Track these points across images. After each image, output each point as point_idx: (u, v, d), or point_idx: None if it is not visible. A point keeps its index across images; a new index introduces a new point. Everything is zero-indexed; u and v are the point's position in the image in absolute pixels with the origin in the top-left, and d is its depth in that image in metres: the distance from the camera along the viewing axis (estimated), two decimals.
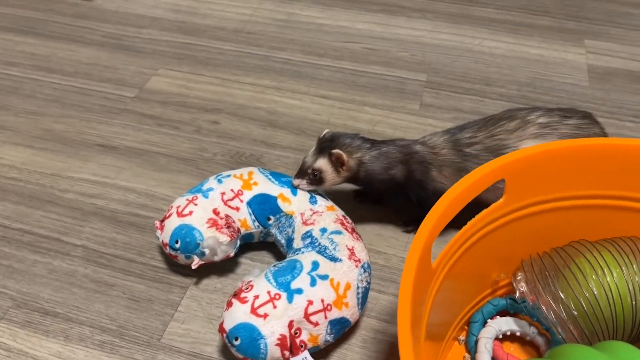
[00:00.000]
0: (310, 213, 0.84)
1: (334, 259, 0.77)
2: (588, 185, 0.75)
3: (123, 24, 1.44)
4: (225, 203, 0.86)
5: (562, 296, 0.71)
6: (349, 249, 0.79)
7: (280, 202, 0.86)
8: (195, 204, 0.85)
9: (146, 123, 1.15)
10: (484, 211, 0.72)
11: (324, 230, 0.81)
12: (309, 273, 0.75)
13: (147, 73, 1.27)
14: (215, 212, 0.85)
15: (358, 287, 0.77)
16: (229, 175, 0.89)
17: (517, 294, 0.75)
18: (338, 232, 0.81)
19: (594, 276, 0.71)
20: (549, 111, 0.88)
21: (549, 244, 0.78)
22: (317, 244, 0.79)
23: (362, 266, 0.79)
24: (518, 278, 0.76)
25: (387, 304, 0.84)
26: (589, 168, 0.73)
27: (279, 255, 0.89)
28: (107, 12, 1.49)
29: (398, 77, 1.28)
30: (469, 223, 0.72)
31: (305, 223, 0.83)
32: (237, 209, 0.86)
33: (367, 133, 1.08)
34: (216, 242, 0.82)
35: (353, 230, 0.83)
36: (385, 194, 0.94)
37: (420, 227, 0.63)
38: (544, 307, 0.72)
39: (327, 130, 0.90)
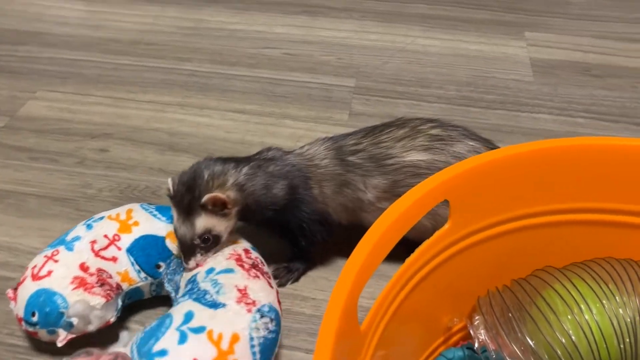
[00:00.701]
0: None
1: (214, 304, 0.59)
2: (551, 199, 0.60)
3: None
4: (96, 254, 0.67)
5: (532, 344, 0.55)
6: (239, 289, 0.61)
7: (170, 242, 0.69)
8: (56, 261, 0.66)
9: (16, 158, 0.93)
10: (425, 243, 0.56)
11: (210, 271, 0.64)
12: (178, 328, 0.57)
13: (22, 97, 1.06)
14: (84, 267, 0.66)
15: (252, 338, 0.58)
16: (101, 218, 0.71)
17: (476, 344, 0.59)
18: (227, 271, 0.63)
19: (568, 315, 0.55)
20: (447, 125, 0.75)
21: (509, 275, 0.62)
22: (196, 289, 0.62)
23: (259, 310, 0.60)
24: (476, 323, 0.60)
25: None
26: (552, 177, 0.58)
27: None
28: None
29: (323, 83, 1.11)
30: (408, 261, 0.55)
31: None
32: (114, 259, 0.68)
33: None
34: (86, 307, 0.63)
35: (253, 267, 0.65)
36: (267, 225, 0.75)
37: (340, 278, 0.46)
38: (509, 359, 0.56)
39: (169, 179, 0.68)
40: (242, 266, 0.64)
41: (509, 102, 1.07)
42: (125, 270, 0.68)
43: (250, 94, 1.08)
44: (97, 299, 0.63)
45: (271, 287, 0.64)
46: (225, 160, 0.69)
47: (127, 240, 0.68)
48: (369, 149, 0.72)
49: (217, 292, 0.60)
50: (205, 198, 0.64)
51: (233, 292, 0.60)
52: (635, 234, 0.60)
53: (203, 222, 0.64)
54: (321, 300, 0.73)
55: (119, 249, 0.68)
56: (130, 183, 0.89)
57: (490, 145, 0.75)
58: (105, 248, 0.68)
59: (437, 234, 0.57)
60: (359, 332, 0.49)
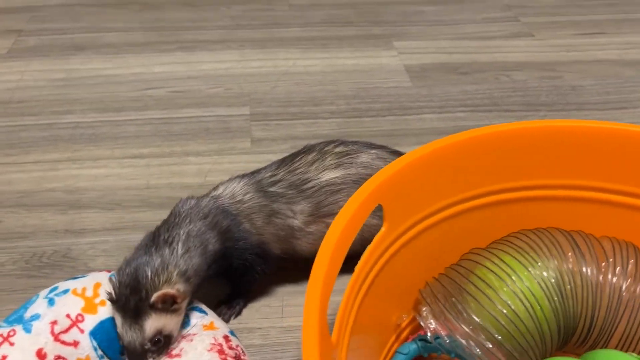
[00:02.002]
0: (179, 339, 0.62)
1: None
2: (467, 186, 0.66)
3: None
4: (56, 338, 0.60)
5: (478, 321, 0.60)
6: None
7: None
8: (12, 344, 0.59)
9: None
10: (368, 249, 0.59)
11: None
12: None
13: None
14: (41, 354, 0.59)
15: None
16: (65, 292, 0.64)
17: (429, 333, 0.62)
18: None
19: (504, 288, 0.61)
20: (348, 142, 0.80)
21: (443, 264, 0.67)
22: None
23: None
24: (424, 314, 0.63)
25: None
26: (466, 165, 0.64)
27: None
28: None
29: (218, 115, 1.11)
30: (357, 268, 0.57)
31: (169, 354, 0.61)
32: (75, 343, 0.61)
33: (199, 187, 0.90)
34: None
35: (236, 358, 0.61)
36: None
37: (308, 291, 0.47)
38: (462, 340, 0.60)
39: (108, 281, 0.62)
40: (224, 359, 0.59)
41: (395, 107, 1.15)
42: (87, 356, 0.61)
43: (145, 137, 1.05)
44: None
45: None
46: (154, 246, 0.64)
47: (91, 321, 0.62)
48: (286, 178, 0.74)
49: None
50: (154, 297, 0.58)
51: None
52: (541, 206, 0.68)
53: (154, 323, 0.59)
54: (268, 329, 0.73)
55: (82, 331, 0.61)
56: (34, 251, 0.82)
57: (388, 150, 0.81)
58: (66, 331, 0.61)
59: (375, 238, 0.60)
60: (332, 345, 0.50)
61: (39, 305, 0.62)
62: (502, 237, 0.67)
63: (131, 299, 0.59)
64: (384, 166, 0.61)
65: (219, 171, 0.97)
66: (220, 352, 0.60)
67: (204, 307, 0.67)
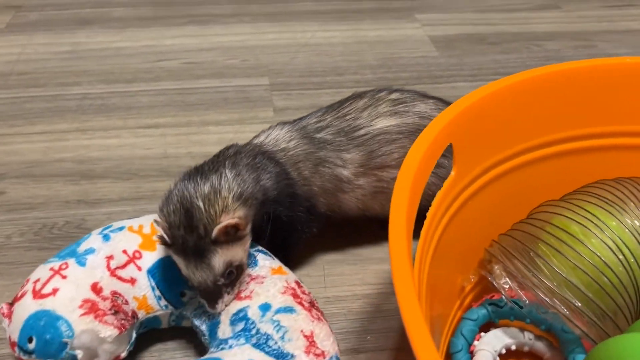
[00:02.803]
0: (247, 279, 0.56)
1: (280, 355, 0.49)
2: (541, 130, 0.58)
3: None
4: (112, 273, 0.56)
5: (563, 275, 0.52)
6: (305, 336, 0.51)
7: None
8: (64, 277, 0.54)
9: None
10: (438, 195, 0.51)
11: (265, 307, 0.53)
12: None
13: None
14: (96, 288, 0.54)
15: None
16: (121, 229, 0.58)
17: (503, 294, 0.55)
18: (288, 310, 0.53)
19: (592, 239, 0.53)
20: (402, 89, 0.73)
21: (511, 221, 0.59)
22: (254, 331, 0.51)
23: None
24: (497, 272, 0.55)
25: None
26: (540, 105, 0.57)
27: (205, 348, 0.57)
28: None
29: (236, 86, 1.03)
30: (428, 218, 0.49)
31: (238, 296, 0.55)
32: (133, 281, 0.56)
33: None
34: (95, 339, 0.52)
35: (312, 305, 0.55)
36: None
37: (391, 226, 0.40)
38: (546, 299, 0.52)
39: (155, 225, 0.55)
40: (302, 305, 0.54)
41: (425, 76, 1.08)
42: (144, 296, 0.56)
43: (159, 107, 0.97)
44: (109, 330, 0.52)
45: (332, 331, 0.54)
46: (199, 174, 0.56)
47: (149, 259, 0.57)
48: (334, 124, 0.67)
49: (282, 338, 0.50)
50: (215, 232, 0.52)
51: (300, 340, 0.50)
52: (619, 155, 0.61)
53: (221, 258, 0.52)
54: None
55: (139, 269, 0.56)
56: (44, 222, 0.74)
57: (445, 102, 0.73)
58: (123, 267, 0.56)
59: (445, 184, 0.52)
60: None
61: (93, 240, 0.58)
62: (578, 189, 0.59)
63: (188, 238, 0.52)
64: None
65: (242, 140, 0.88)
66: (295, 295, 0.55)
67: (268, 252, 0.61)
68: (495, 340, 0.56)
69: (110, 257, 0.56)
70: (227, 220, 0.52)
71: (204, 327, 0.54)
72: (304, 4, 1.35)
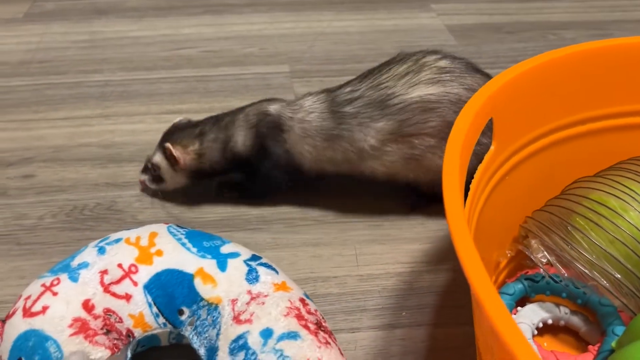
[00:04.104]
0: (247, 299, 0.52)
1: None
2: (579, 106, 0.59)
3: None
4: (106, 289, 0.52)
5: (603, 247, 0.53)
6: None
7: (198, 282, 0.54)
8: (55, 293, 0.51)
9: None
10: (480, 167, 0.51)
11: (267, 333, 0.49)
12: None
13: None
14: (88, 306, 0.51)
15: None
16: (117, 240, 0.56)
17: (541, 268, 0.55)
18: (292, 336, 0.49)
19: (630, 212, 0.53)
20: (454, 57, 0.71)
21: (544, 199, 0.60)
22: None
23: None
24: (534, 246, 0.56)
25: (369, 342, 0.58)
26: (581, 81, 0.58)
27: None
28: None
29: (256, 73, 1.04)
30: (469, 199, 0.49)
31: (237, 319, 0.50)
32: (128, 297, 0.52)
33: None
34: None
35: (319, 327, 0.51)
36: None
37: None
38: (585, 270, 0.53)
39: (180, 118, 0.76)
40: (307, 328, 0.50)
41: None
42: (140, 313, 0.52)
43: (181, 94, 0.98)
44: (99, 351, 0.49)
45: (342, 354, 0.51)
46: (206, 122, 0.74)
47: (145, 273, 0.53)
48: (367, 94, 0.67)
49: None
50: (165, 145, 0.71)
51: None
52: None
53: (158, 158, 0.72)
54: (344, 277, 0.65)
55: (135, 284, 0.53)
56: (75, 204, 0.74)
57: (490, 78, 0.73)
58: (118, 282, 0.53)
59: (485, 158, 0.53)
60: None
61: (87, 254, 0.55)
62: (612, 166, 0.60)
63: (168, 134, 0.74)
64: None
65: None
66: (299, 316, 0.51)
67: (273, 265, 0.58)
68: (532, 314, 0.57)
69: (104, 272, 0.53)
70: (176, 150, 0.71)
71: (202, 351, 0.52)
72: None
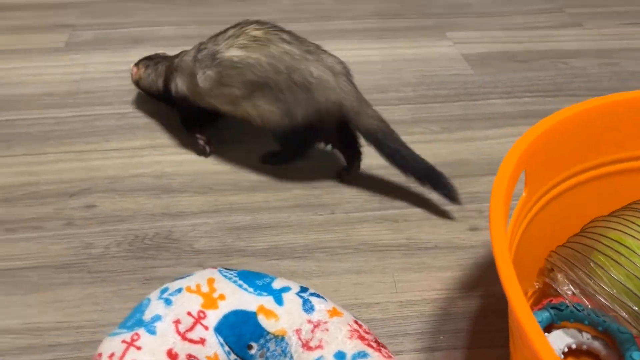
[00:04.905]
0: (310, 328, 0.58)
1: None
2: (598, 152, 0.67)
3: None
4: (183, 337, 0.57)
5: (622, 282, 0.60)
6: None
7: (262, 318, 0.59)
8: (138, 347, 0.55)
9: None
10: (513, 216, 0.59)
11: (340, 355, 0.55)
12: None
13: None
14: (172, 354, 0.56)
15: None
16: (179, 290, 0.61)
17: (567, 300, 0.63)
18: (362, 355, 0.55)
19: None
20: (271, 28, 0.89)
21: (566, 235, 0.67)
22: None
23: None
24: (560, 279, 0.64)
25: None
26: (599, 131, 0.65)
27: None
28: None
29: None
30: (507, 235, 0.57)
31: (306, 346, 0.57)
32: (202, 341, 0.58)
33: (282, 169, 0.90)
34: None
35: (379, 343, 0.58)
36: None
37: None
38: (607, 303, 0.60)
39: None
40: (371, 346, 0.56)
41: (462, 94, 1.16)
42: (215, 354, 0.57)
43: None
44: None
45: None
46: (172, 57, 1.01)
47: (213, 317, 0.58)
48: (209, 47, 0.90)
49: None
50: (137, 60, 1.06)
51: None
52: None
53: (134, 69, 1.05)
54: (385, 303, 0.73)
55: (206, 328, 0.58)
56: (136, 234, 0.81)
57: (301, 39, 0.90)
58: (191, 329, 0.58)
59: (518, 204, 0.60)
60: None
61: (156, 307, 0.59)
62: (625, 206, 0.68)
63: (143, 58, 1.07)
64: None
65: None
66: (361, 337, 0.58)
67: (320, 293, 0.64)
68: (559, 340, 0.64)
69: (177, 322, 0.57)
70: (132, 67, 1.05)
71: None
72: (340, 23, 1.43)
